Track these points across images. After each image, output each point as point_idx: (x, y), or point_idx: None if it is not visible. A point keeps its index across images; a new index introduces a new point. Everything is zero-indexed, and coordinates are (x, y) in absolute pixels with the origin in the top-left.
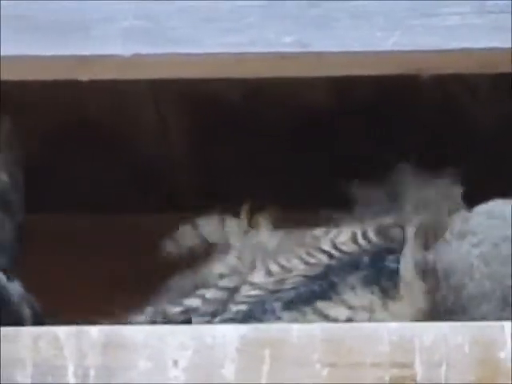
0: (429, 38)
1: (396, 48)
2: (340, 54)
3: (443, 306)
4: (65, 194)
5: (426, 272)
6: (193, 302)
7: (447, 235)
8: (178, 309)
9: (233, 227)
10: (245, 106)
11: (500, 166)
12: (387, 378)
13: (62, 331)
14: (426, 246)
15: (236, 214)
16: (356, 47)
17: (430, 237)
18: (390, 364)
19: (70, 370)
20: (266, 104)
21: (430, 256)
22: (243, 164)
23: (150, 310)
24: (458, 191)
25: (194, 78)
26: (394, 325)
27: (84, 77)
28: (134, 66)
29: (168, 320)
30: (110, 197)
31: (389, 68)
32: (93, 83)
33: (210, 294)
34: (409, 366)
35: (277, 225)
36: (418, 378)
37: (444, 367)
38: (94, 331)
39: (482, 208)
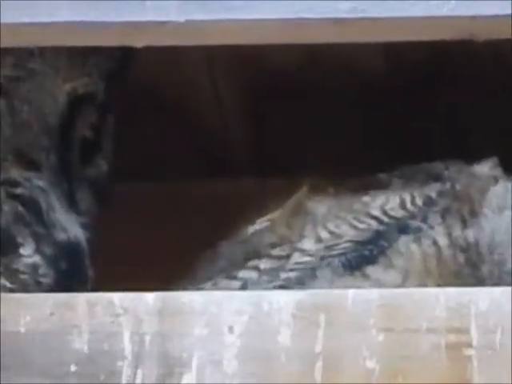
0: (483, 4)
1: (451, 14)
2: (395, 19)
3: (490, 279)
4: (120, 160)
5: (468, 247)
6: (249, 274)
7: (485, 210)
8: (236, 283)
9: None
10: (299, 72)
11: None
12: (443, 344)
13: (118, 297)
14: (464, 222)
15: (290, 180)
16: (411, 13)
17: (467, 215)
18: (446, 329)
19: (126, 336)
20: (320, 70)
21: (470, 231)
22: (296, 129)
23: (208, 285)
24: (495, 173)
25: (249, 45)
26: (450, 290)
27: (139, 43)
28: (189, 33)
29: None
30: (165, 162)
31: (443, 34)
32: (148, 49)
33: (263, 264)
34: (465, 331)
35: (329, 191)
36: (474, 344)
37: (499, 333)
38: (151, 297)
39: None
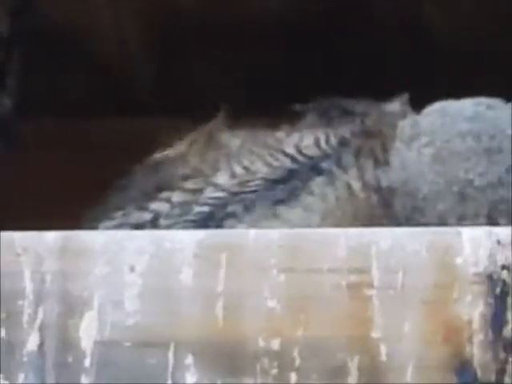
0: None
1: None
2: None
3: (403, 213)
4: (28, 97)
5: (380, 186)
6: (160, 206)
7: (397, 143)
8: (147, 216)
9: (197, 130)
10: (198, 11)
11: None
12: (344, 284)
13: (19, 236)
14: (377, 161)
15: (199, 117)
16: None
17: (379, 152)
18: (348, 269)
19: (27, 275)
20: (218, 9)
21: (381, 169)
22: (202, 66)
23: (119, 215)
24: (404, 109)
25: None
26: (351, 230)
27: None
28: None
29: (137, 227)
30: (72, 99)
31: None
32: None
33: (176, 196)
34: (366, 271)
35: (240, 127)
36: (375, 284)
37: (401, 273)
38: (51, 236)
39: (433, 107)
